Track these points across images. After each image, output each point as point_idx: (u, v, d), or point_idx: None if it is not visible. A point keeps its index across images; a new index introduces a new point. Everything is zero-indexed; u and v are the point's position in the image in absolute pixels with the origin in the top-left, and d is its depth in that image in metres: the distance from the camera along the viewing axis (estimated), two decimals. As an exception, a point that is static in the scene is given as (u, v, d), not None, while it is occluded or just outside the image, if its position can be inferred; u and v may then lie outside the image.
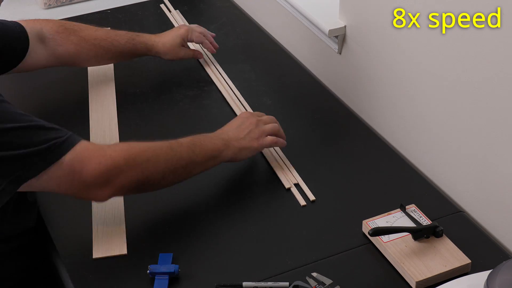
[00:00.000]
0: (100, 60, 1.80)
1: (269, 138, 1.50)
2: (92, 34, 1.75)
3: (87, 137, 1.66)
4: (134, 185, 1.31)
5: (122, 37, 1.78)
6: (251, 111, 1.73)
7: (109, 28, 1.84)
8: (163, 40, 1.81)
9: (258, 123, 1.50)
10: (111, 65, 1.91)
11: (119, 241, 1.38)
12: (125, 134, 1.68)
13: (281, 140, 1.53)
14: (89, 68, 1.90)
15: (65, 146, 1.25)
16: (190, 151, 1.37)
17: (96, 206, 1.46)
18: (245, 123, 1.49)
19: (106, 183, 1.27)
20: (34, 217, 1.44)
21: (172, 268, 1.29)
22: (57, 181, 1.25)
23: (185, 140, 1.39)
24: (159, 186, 1.36)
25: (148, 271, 1.30)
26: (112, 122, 1.72)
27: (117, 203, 1.46)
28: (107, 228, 1.40)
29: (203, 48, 1.95)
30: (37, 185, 1.25)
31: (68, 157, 1.24)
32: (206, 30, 1.91)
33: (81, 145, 1.27)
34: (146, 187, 1.34)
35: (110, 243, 1.37)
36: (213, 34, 1.93)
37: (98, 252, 1.36)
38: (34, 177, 1.23)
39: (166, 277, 1.29)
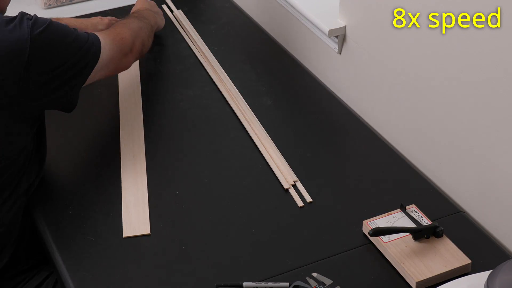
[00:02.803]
0: None
1: None
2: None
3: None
4: (140, 48, 1.68)
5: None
6: (251, 111, 1.74)
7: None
8: (85, 23, 1.90)
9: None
10: None
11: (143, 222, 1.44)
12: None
13: None
14: None
15: (94, 36, 1.52)
16: (145, 19, 1.80)
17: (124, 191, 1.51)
18: (150, 3, 1.97)
19: (131, 50, 1.63)
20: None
21: None
22: (109, 57, 1.54)
23: (134, 15, 1.83)
24: (148, 45, 1.76)
25: None
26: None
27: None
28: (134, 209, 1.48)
29: (201, 50, 1.95)
30: (97, 71, 1.52)
31: (101, 38, 1.54)
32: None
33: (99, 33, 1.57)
34: (145, 48, 1.72)
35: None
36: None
37: (127, 231, 1.43)
38: (98, 61, 1.51)
39: None
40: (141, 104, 1.78)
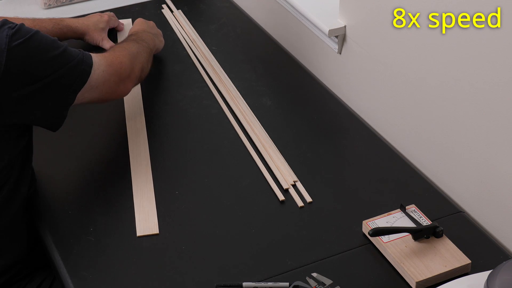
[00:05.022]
0: None
1: None
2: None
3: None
4: (139, 73, 1.62)
5: (47, 23, 1.84)
6: (251, 111, 1.74)
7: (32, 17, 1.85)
8: (86, 23, 1.94)
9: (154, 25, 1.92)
10: None
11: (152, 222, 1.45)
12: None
13: None
14: None
15: (87, 54, 1.45)
16: (144, 41, 1.72)
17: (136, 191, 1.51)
18: (149, 24, 1.89)
19: (129, 76, 1.56)
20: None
21: None
22: (103, 80, 1.47)
23: (133, 37, 1.74)
24: (147, 70, 1.70)
25: None
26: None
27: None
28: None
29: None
30: (88, 92, 1.45)
31: (97, 59, 1.47)
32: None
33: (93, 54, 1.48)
34: (143, 73, 1.67)
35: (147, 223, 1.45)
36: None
37: (141, 231, 1.43)
38: (88, 81, 1.43)
39: None
40: (142, 104, 1.78)
